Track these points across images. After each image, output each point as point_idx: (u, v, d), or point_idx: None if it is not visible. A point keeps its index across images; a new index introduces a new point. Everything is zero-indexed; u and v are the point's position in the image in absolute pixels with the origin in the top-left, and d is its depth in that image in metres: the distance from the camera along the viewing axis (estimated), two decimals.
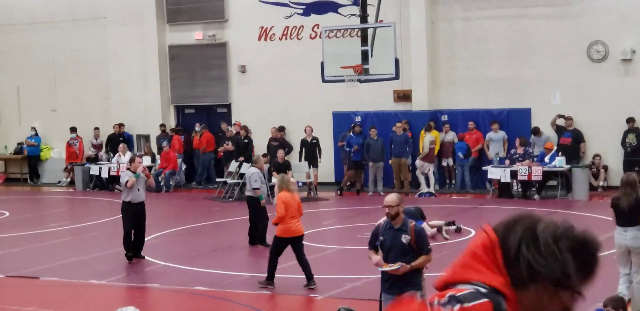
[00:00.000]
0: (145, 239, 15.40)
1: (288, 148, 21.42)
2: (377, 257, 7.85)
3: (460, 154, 20.84)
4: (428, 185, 20.83)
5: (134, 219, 13.31)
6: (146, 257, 13.73)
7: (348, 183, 21.42)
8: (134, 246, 13.32)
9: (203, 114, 25.21)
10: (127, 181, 13.18)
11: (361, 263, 13.06)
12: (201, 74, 24.71)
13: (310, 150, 21.54)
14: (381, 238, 7.94)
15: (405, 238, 7.80)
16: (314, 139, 21.65)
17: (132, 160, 13.96)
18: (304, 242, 11.43)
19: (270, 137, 22.19)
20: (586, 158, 20.37)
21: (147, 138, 25.40)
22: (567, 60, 20.66)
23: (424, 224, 14.83)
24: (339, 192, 21.23)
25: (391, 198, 7.86)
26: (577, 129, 20.36)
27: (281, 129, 22.71)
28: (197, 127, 24.26)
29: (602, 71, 20.39)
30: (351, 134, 21.47)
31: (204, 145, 23.79)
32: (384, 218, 8.12)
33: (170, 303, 11.54)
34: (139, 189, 13.36)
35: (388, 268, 7.76)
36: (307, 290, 11.25)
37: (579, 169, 19.16)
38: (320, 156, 21.54)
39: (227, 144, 22.47)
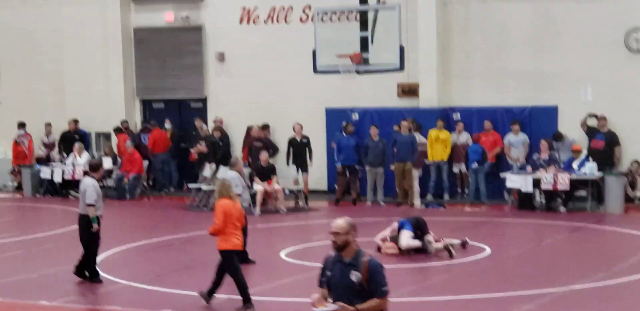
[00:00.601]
0: (106, 254, 15.45)
1: (273, 150, 21.50)
2: (316, 295, 7.20)
3: (475, 160, 20.96)
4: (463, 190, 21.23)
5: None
6: (106, 275, 13.76)
7: (342, 192, 21.47)
8: (83, 266, 13.41)
9: (174, 110, 25.25)
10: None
11: None
12: (172, 63, 24.76)
13: (300, 152, 21.59)
14: (328, 273, 7.29)
15: (355, 276, 7.12)
16: (304, 139, 21.71)
17: (94, 168, 13.81)
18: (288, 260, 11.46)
19: (252, 137, 22.24)
20: (621, 164, 20.49)
21: (107, 137, 25.42)
22: (601, 50, 20.79)
23: (429, 238, 14.92)
24: (335, 201, 21.32)
25: (338, 223, 7.26)
26: (611, 131, 20.48)
27: (265, 127, 22.79)
28: (167, 125, 24.33)
29: None
30: (343, 133, 21.56)
31: (150, 146, 23.80)
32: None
33: None
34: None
35: (323, 309, 7.03)
36: None
37: (613, 177, 19.27)
38: (311, 159, 21.63)
39: (200, 145, 22.53)
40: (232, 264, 11.55)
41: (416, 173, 20.93)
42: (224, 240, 11.56)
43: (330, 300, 7.21)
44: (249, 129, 22.37)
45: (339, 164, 21.22)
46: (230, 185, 12.01)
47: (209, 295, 11.81)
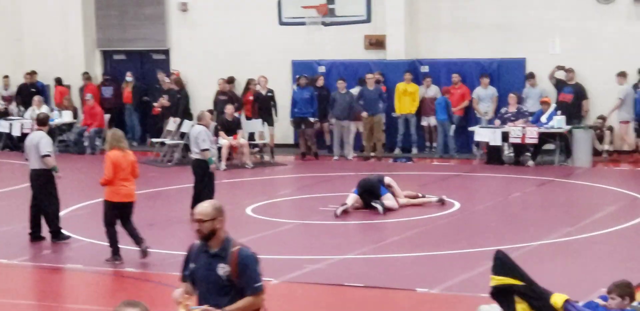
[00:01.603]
0: (67, 211, 15.24)
1: (238, 103, 21.24)
2: (179, 291, 6.18)
3: (440, 112, 20.77)
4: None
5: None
6: (66, 233, 13.58)
7: (301, 146, 21.32)
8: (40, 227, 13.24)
9: (136, 61, 24.89)
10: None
11: (324, 241, 13.08)
12: (134, 12, 24.32)
13: (265, 105, 21.38)
14: (192, 265, 6.25)
15: (222, 269, 6.08)
16: (269, 92, 21.49)
17: (42, 121, 13.49)
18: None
19: (217, 90, 21.97)
20: (589, 117, 20.48)
21: (67, 89, 25.03)
22: (570, 1, 20.64)
23: (388, 196, 14.78)
24: (300, 155, 21.20)
25: (203, 208, 6.18)
26: (579, 84, 20.43)
27: (230, 80, 22.51)
28: (129, 77, 23.97)
29: (611, 14, 20.42)
30: (295, 88, 21.34)
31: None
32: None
33: (94, 287, 11.44)
34: None
35: None
36: None
37: (581, 131, 19.26)
38: (276, 113, 21.43)
39: (163, 99, 22.23)
40: (108, 216, 11.95)
41: (353, 128, 20.80)
42: (112, 192, 11.97)
43: (195, 296, 6.24)
44: (248, 83, 21.96)
45: (291, 118, 21.07)
46: (122, 136, 12.21)
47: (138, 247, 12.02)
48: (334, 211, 14.56)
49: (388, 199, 14.81)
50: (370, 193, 14.86)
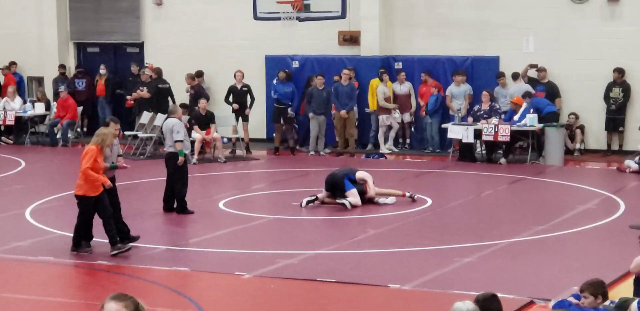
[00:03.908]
0: (37, 203, 15.06)
1: (205, 98, 21.02)
2: None
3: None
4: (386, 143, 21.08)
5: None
6: (37, 224, 13.41)
7: (276, 141, 21.19)
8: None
9: (109, 54, 24.69)
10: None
11: (297, 236, 12.98)
12: (108, 5, 24.11)
13: (240, 100, 21.27)
14: None
15: None
16: (244, 87, 21.36)
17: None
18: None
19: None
20: (561, 115, 20.51)
21: (40, 81, 24.79)
22: (544, 0, 20.65)
23: (352, 192, 14.71)
24: (274, 150, 21.08)
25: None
26: (551, 82, 20.47)
27: (199, 74, 22.34)
28: (102, 70, 23.77)
29: (584, 14, 20.46)
30: (274, 82, 21.24)
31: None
32: None
33: (65, 280, 11.29)
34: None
35: None
36: (230, 267, 11.10)
37: (553, 130, 19.28)
38: (250, 107, 21.31)
39: (142, 90, 22.06)
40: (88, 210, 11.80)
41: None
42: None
43: None
44: (309, 79, 21.61)
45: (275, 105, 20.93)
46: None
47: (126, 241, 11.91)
48: (300, 202, 14.53)
49: (352, 196, 14.72)
50: (335, 188, 14.80)
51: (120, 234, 11.93)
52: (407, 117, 21.22)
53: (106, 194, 11.80)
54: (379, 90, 20.81)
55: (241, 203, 15.29)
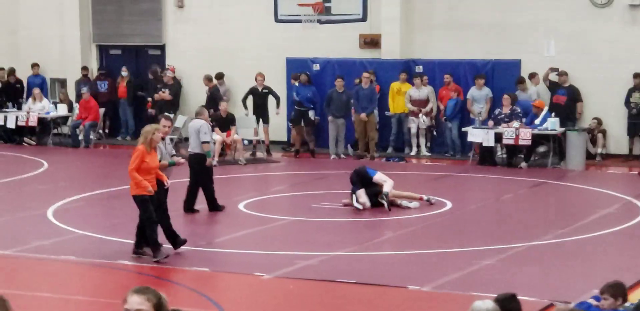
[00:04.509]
0: (59, 203, 15.18)
1: (220, 100, 21.08)
2: None
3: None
4: (418, 146, 21.12)
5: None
6: (59, 224, 13.53)
7: (296, 143, 21.24)
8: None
9: (131, 56, 24.81)
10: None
11: (316, 237, 13.03)
12: (130, 8, 24.25)
13: (261, 102, 21.35)
14: None
15: None
16: (265, 89, 21.43)
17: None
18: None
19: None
20: (583, 120, 20.47)
21: (62, 83, 24.95)
22: (565, 3, 20.63)
23: (360, 193, 14.61)
24: (294, 153, 21.15)
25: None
26: (573, 86, 20.42)
27: (219, 76, 22.42)
28: (124, 72, 23.90)
29: (606, 18, 20.41)
30: (296, 84, 21.31)
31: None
32: None
33: (86, 279, 11.38)
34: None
35: None
36: (250, 268, 11.16)
37: (575, 134, 19.24)
38: (278, 106, 21.34)
39: (163, 92, 22.21)
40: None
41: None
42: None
43: None
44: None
45: (296, 105, 20.99)
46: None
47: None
48: (354, 206, 14.58)
49: (360, 196, 14.72)
50: (364, 179, 14.83)
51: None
52: (427, 122, 21.08)
53: (155, 197, 11.51)
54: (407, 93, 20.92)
55: (261, 204, 15.36)
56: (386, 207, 14.63)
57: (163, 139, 12.26)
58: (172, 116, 21.35)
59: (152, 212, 11.47)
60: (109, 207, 15.51)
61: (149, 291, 4.44)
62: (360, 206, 14.55)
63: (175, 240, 11.90)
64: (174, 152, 12.82)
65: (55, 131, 23.39)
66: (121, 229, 13.28)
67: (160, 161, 11.88)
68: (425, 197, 15.20)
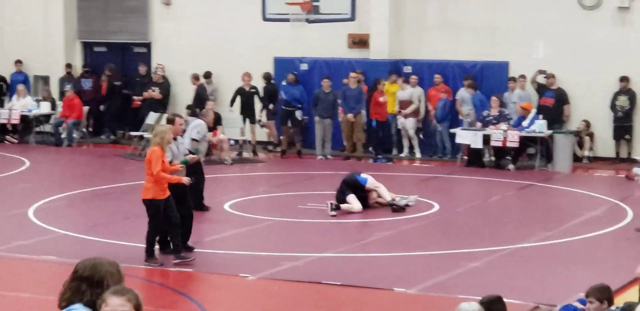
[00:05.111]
0: (41, 202, 15.12)
1: (206, 99, 21.01)
2: None
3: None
4: (411, 147, 21.07)
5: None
6: (41, 223, 13.48)
7: (280, 142, 21.25)
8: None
9: (117, 54, 24.74)
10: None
11: (302, 238, 13.03)
12: (116, 5, 24.17)
13: (248, 102, 21.34)
14: None
15: None
16: (252, 88, 21.42)
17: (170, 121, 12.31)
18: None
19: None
20: (570, 122, 20.53)
21: (45, 80, 24.86)
22: (555, 6, 20.68)
23: (351, 198, 14.62)
24: (281, 153, 21.12)
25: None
26: (561, 89, 20.47)
27: (207, 75, 22.39)
28: (109, 70, 23.80)
29: (595, 20, 20.46)
30: (283, 83, 21.29)
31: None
32: None
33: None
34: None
35: None
36: (234, 269, 11.15)
37: (562, 136, 19.30)
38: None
39: (153, 91, 22.16)
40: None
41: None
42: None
43: None
44: (376, 82, 21.41)
45: (281, 107, 20.98)
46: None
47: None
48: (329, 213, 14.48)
49: (352, 201, 14.67)
50: (355, 187, 14.79)
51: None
52: (412, 124, 21.00)
53: (173, 199, 11.36)
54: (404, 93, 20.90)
55: (247, 205, 15.35)
56: (402, 208, 14.66)
57: (175, 139, 11.98)
58: (157, 115, 21.34)
59: (162, 217, 11.32)
60: (92, 207, 15.45)
61: (128, 291, 4.45)
62: (334, 213, 14.41)
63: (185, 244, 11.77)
64: (187, 151, 12.60)
65: (37, 129, 23.30)
66: (103, 229, 13.26)
67: (171, 162, 11.61)
68: (397, 198, 15.10)
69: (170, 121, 12.26)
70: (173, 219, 11.37)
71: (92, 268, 4.56)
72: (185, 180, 11.46)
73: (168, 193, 11.34)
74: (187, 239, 11.86)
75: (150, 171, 11.23)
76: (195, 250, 11.85)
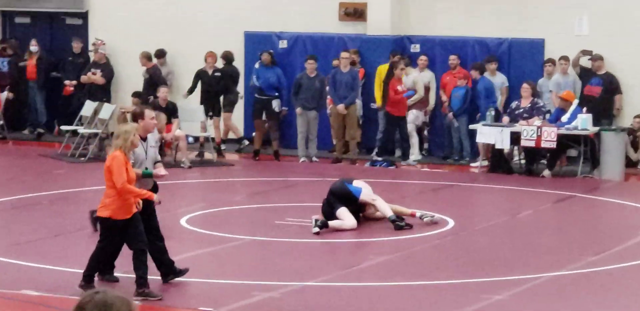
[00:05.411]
0: None
1: (163, 84, 21.09)
2: None
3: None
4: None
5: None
6: None
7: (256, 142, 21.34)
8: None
9: (44, 26, 24.80)
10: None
11: (280, 263, 13.06)
12: None
13: (212, 89, 21.38)
14: None
15: None
16: (216, 71, 21.46)
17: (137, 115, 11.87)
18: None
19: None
20: (622, 117, 20.64)
21: None
22: None
23: (342, 211, 14.69)
24: (253, 154, 21.16)
25: None
26: (610, 74, 20.57)
27: (159, 54, 22.42)
28: (33, 47, 23.82)
29: None
30: (256, 66, 21.34)
31: None
32: None
33: None
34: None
35: None
36: (193, 300, 11.17)
37: (612, 134, 19.40)
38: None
39: (94, 74, 22.18)
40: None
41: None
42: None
43: None
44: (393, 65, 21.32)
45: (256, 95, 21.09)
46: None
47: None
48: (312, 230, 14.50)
49: (343, 217, 14.68)
50: (347, 198, 14.82)
51: (163, 268, 11.66)
52: (412, 117, 21.08)
53: (140, 217, 11.25)
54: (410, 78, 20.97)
55: (210, 219, 15.38)
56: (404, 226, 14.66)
57: (144, 139, 11.71)
58: (96, 104, 21.36)
59: (117, 240, 11.29)
60: (12, 221, 15.46)
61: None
62: (317, 230, 14.43)
63: (171, 269, 11.75)
64: (159, 157, 12.31)
65: None
66: (27, 249, 13.24)
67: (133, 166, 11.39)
68: (418, 213, 15.22)
69: (139, 116, 11.86)
70: (138, 245, 11.24)
71: (102, 309, 4.69)
72: (156, 198, 11.36)
73: (133, 211, 11.20)
74: (172, 263, 11.77)
75: (111, 183, 11.06)
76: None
